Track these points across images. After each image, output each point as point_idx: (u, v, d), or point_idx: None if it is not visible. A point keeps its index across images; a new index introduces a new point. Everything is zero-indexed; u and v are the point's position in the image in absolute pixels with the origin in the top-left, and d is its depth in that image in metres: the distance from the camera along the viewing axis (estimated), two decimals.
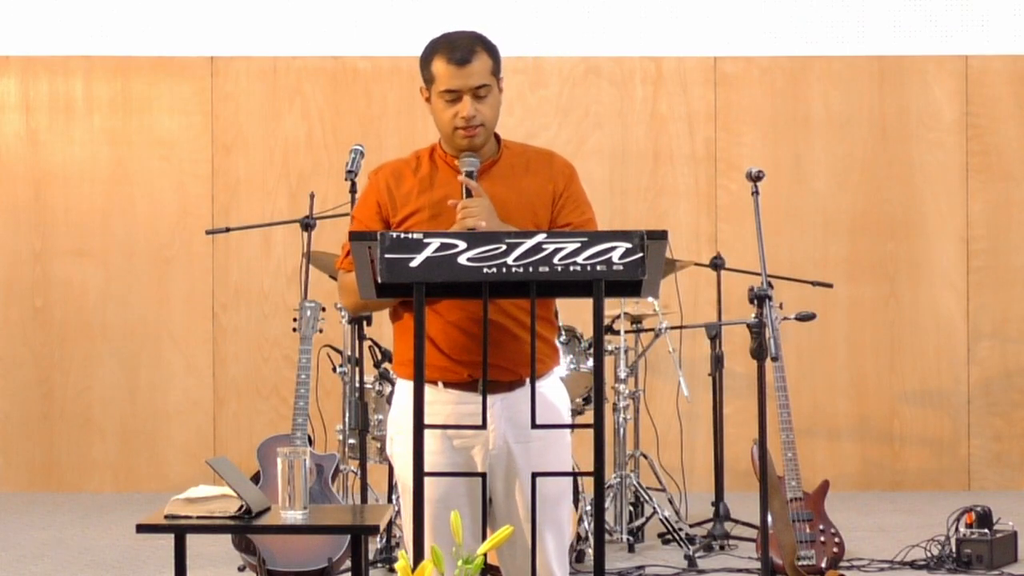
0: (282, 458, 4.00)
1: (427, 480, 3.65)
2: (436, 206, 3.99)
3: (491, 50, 4.01)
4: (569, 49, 9.35)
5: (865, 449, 9.40)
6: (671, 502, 7.72)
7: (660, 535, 7.51)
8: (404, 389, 4.05)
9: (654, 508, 7.39)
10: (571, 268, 3.56)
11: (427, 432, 3.67)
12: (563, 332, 7.12)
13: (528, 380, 3.82)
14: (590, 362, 7.08)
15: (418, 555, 3.63)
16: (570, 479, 4.09)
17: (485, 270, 3.56)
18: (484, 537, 3.66)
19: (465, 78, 3.95)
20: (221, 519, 4.00)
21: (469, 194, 3.92)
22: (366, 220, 4.05)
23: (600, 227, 4.14)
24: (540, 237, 3.57)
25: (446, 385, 3.98)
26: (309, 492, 4.04)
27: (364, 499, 6.37)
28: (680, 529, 7.32)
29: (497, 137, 4.10)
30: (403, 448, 3.96)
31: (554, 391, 4.09)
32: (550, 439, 3.98)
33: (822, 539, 6.54)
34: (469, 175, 3.93)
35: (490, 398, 3.86)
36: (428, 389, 3.82)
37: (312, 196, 7.15)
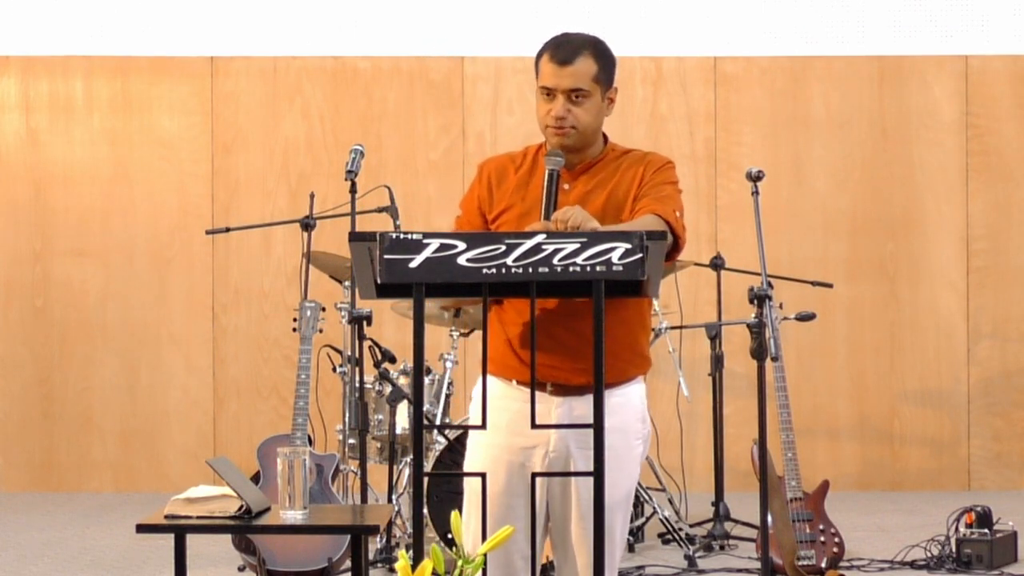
0: (282, 458, 4.00)
1: (490, 471, 3.83)
2: (525, 204, 3.98)
3: (601, 57, 3.98)
4: None
5: (865, 449, 9.40)
6: (671, 502, 7.72)
7: (660, 535, 7.51)
8: (491, 386, 4.00)
9: (654, 508, 7.39)
10: (571, 268, 3.56)
11: (492, 427, 3.81)
12: None
13: (607, 388, 3.80)
14: None
15: (418, 555, 3.63)
16: (630, 489, 4.04)
17: (484, 271, 3.56)
18: (485, 537, 3.66)
19: (562, 78, 3.94)
20: (221, 519, 4.00)
21: (550, 194, 3.89)
22: (468, 213, 4.08)
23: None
24: (539, 238, 3.57)
25: (519, 383, 3.97)
26: (309, 492, 4.04)
27: (364, 499, 6.37)
28: (680, 529, 7.32)
29: (605, 138, 4.08)
30: (472, 442, 4.04)
31: (629, 400, 4.02)
32: (617, 450, 3.91)
33: (822, 539, 6.54)
34: (552, 174, 3.91)
35: (555, 400, 3.92)
36: (502, 385, 3.96)
37: (312, 196, 7.14)
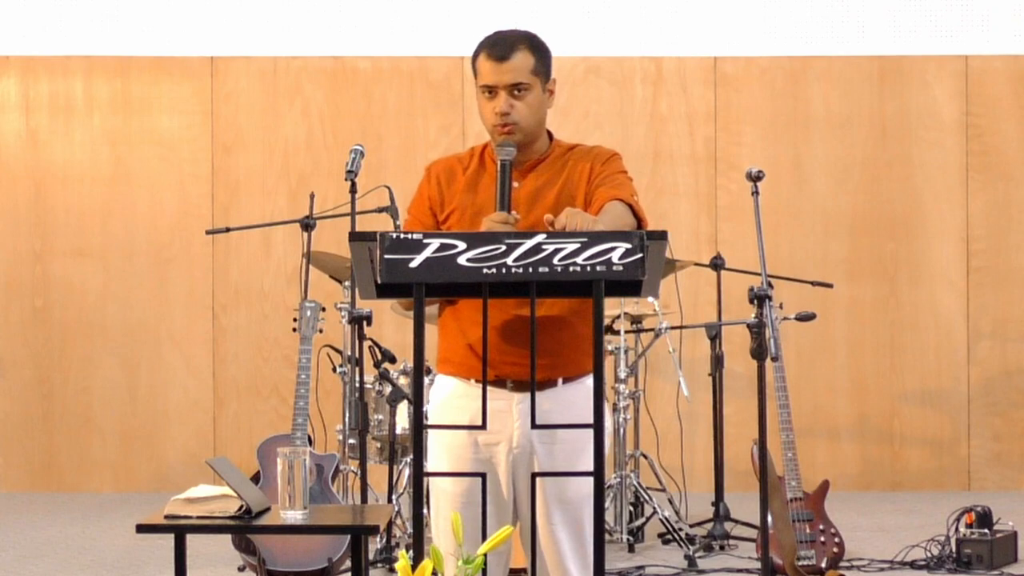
0: (282, 458, 4.00)
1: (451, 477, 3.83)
2: (477, 205, 3.99)
3: (537, 50, 4.00)
4: (569, 49, 9.34)
5: (865, 449, 9.40)
6: (671, 502, 7.72)
7: (660, 535, 7.51)
8: (443, 385, 4.08)
9: (654, 508, 7.39)
10: (571, 268, 3.56)
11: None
12: None
13: (561, 382, 3.90)
14: None
15: (418, 555, 3.63)
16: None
17: (485, 271, 3.56)
18: (485, 536, 3.66)
19: (501, 74, 3.95)
20: (221, 519, 4.00)
21: (504, 186, 3.89)
22: (419, 215, 4.07)
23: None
24: (540, 237, 3.56)
25: (477, 382, 3.97)
26: (309, 492, 4.04)
27: (364, 499, 6.36)
28: (680, 529, 7.32)
29: (550, 135, 4.10)
30: (432, 442, 4.06)
31: (586, 393, 4.01)
32: (578, 442, 3.92)
33: (822, 539, 6.54)
34: (504, 164, 3.92)
35: (516, 396, 3.92)
36: (460, 385, 3.98)
37: (312, 196, 7.14)
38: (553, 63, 4.08)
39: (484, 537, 3.69)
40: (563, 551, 3.99)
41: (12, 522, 8.34)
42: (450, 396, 3.99)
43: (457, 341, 4.01)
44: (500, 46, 3.97)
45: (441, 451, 4.02)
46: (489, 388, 3.90)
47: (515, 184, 3.99)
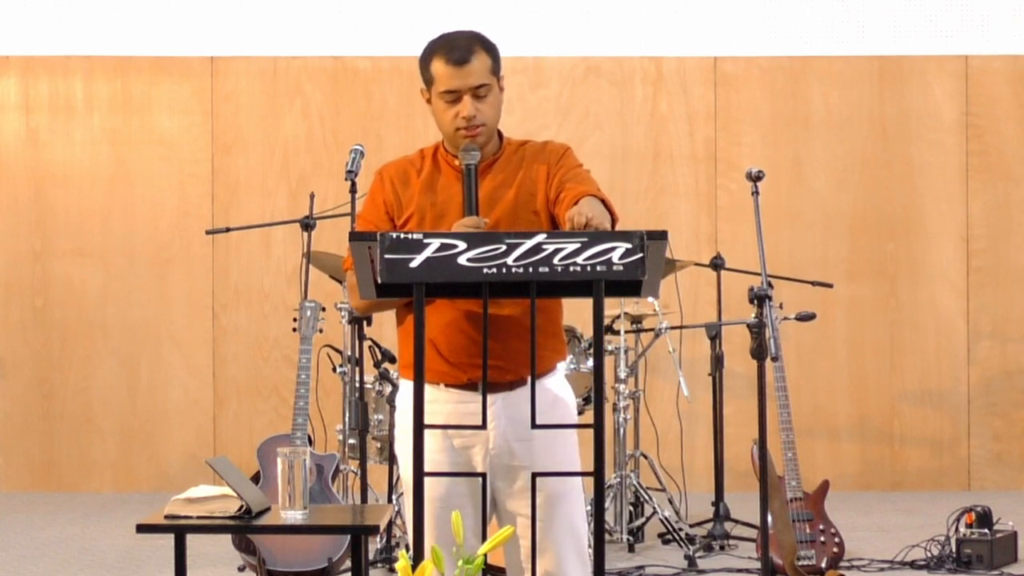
0: (282, 458, 4.00)
1: (428, 479, 3.67)
2: (437, 207, 3.98)
3: (490, 49, 4.00)
4: (569, 49, 9.35)
5: (865, 449, 9.40)
6: (671, 502, 7.72)
7: (660, 535, 7.51)
8: (407, 390, 4.04)
9: (654, 508, 7.39)
10: (571, 268, 3.55)
11: (428, 432, 3.69)
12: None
13: (528, 380, 3.84)
14: (590, 362, 7.08)
15: (418, 555, 3.63)
16: (579, 477, 4.05)
17: (485, 270, 3.55)
18: (485, 537, 3.67)
19: (464, 78, 3.94)
20: (221, 519, 4.00)
21: (471, 189, 3.90)
22: (374, 220, 4.04)
23: None
24: (540, 237, 3.56)
25: (447, 386, 3.98)
26: (309, 492, 4.03)
27: (364, 499, 6.37)
28: (680, 529, 7.32)
29: (500, 135, 4.10)
30: (405, 448, 3.97)
31: (558, 387, 4.07)
32: (553, 436, 3.95)
33: (822, 539, 6.54)
34: (469, 167, 3.92)
35: (490, 397, 3.89)
36: (429, 389, 3.87)
37: (312, 196, 7.15)
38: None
39: (484, 537, 3.70)
40: (559, 551, 3.98)
41: (12, 522, 8.34)
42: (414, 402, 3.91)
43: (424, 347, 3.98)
44: (458, 50, 3.95)
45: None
46: (460, 392, 3.95)
47: None
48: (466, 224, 3.82)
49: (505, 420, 3.96)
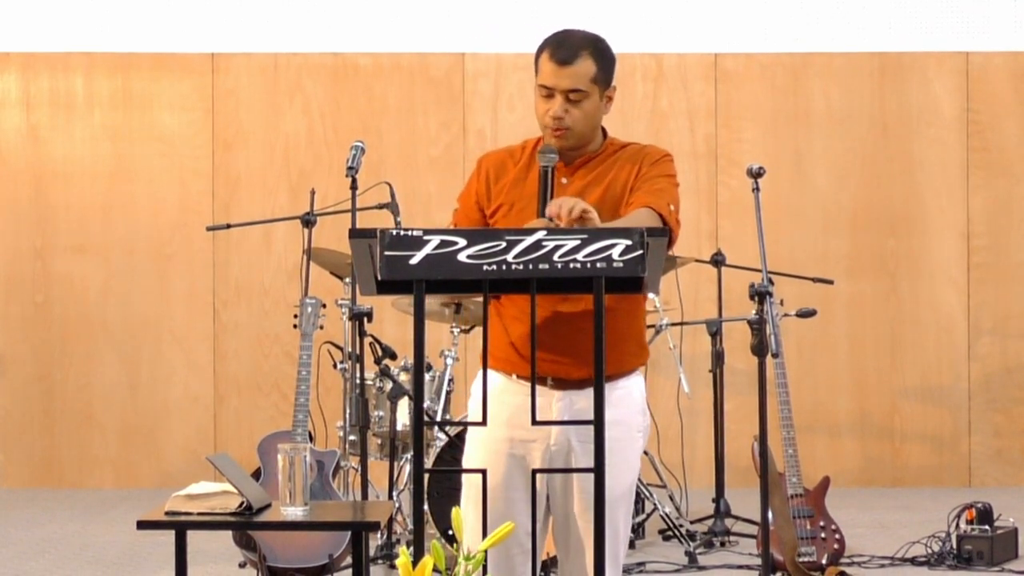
0: (283, 454, 4.00)
1: (490, 466, 3.79)
2: (524, 200, 3.96)
3: (601, 57, 3.95)
4: None
5: (866, 445, 9.40)
6: (672, 498, 7.72)
7: (661, 531, 7.51)
8: (488, 380, 3.98)
9: (655, 504, 7.39)
10: (571, 265, 3.55)
11: (492, 421, 3.79)
12: None
13: (608, 380, 3.76)
14: None
15: (418, 551, 3.63)
16: (632, 482, 4.03)
17: (485, 267, 3.55)
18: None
19: (561, 78, 3.91)
20: (222, 515, 4.00)
21: (545, 191, 3.87)
22: (466, 208, 4.06)
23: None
24: (540, 234, 3.56)
25: (519, 377, 3.96)
26: (310, 488, 4.04)
27: (365, 495, 6.37)
28: (681, 525, 7.32)
29: (604, 132, 4.06)
30: (470, 435, 4.03)
31: (629, 393, 4.01)
32: (619, 441, 3.90)
33: (823, 535, 6.54)
34: (545, 171, 3.90)
35: (556, 394, 3.91)
36: (502, 379, 3.94)
37: (313, 192, 7.14)
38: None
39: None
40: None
41: (13, 518, 8.34)
42: (491, 391, 3.88)
43: (500, 337, 3.97)
44: (564, 48, 3.92)
45: (478, 445, 3.99)
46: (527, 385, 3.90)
47: (563, 180, 3.97)
48: (538, 226, 3.76)
49: (568, 418, 3.94)
